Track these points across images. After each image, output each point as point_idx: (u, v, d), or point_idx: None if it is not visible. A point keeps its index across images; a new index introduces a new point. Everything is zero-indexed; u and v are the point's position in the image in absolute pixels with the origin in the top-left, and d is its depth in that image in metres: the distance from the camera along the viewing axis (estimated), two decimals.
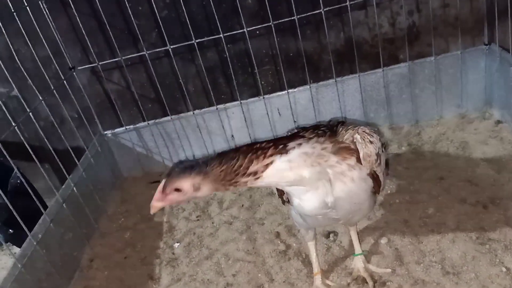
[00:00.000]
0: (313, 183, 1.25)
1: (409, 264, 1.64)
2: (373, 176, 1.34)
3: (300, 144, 1.24)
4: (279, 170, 1.22)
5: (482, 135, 2.24)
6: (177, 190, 1.23)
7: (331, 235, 1.87)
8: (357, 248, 1.69)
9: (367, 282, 1.61)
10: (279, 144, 1.23)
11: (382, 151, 1.36)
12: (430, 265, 1.61)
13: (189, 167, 1.23)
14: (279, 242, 1.92)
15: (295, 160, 1.23)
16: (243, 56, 2.42)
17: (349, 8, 2.19)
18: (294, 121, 2.47)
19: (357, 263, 1.67)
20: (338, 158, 1.26)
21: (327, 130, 1.35)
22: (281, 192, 1.46)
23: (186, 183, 1.22)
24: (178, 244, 2.09)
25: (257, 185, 1.26)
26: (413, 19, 2.32)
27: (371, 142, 1.30)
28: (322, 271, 1.68)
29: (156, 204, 1.27)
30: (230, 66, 2.37)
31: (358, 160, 1.29)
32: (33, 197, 1.78)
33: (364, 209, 1.43)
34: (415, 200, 1.91)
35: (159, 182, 2.50)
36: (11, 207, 1.64)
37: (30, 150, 1.87)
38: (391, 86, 2.41)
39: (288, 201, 1.45)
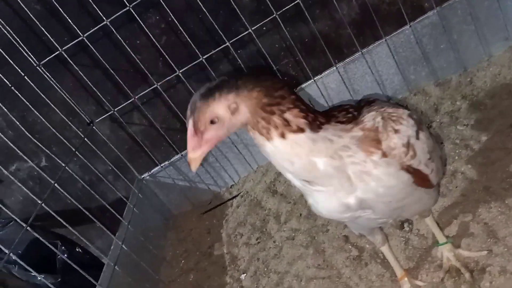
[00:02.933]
0: (324, 180, 1.04)
1: (506, 238, 1.39)
2: (409, 170, 1.10)
3: (328, 125, 1.04)
4: (299, 145, 1.01)
5: None
6: (213, 121, 1.01)
7: (406, 224, 1.65)
8: (440, 237, 1.46)
9: (462, 273, 1.39)
10: (317, 117, 1.03)
11: (418, 138, 1.11)
12: None
13: (213, 87, 1.01)
14: (350, 247, 1.73)
15: (319, 143, 1.02)
16: (257, 58, 2.24)
17: None
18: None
19: (445, 253, 1.45)
20: (364, 153, 1.05)
21: (356, 112, 1.14)
22: None
23: (220, 107, 1.00)
24: (245, 275, 1.94)
25: (270, 150, 1.03)
26: None
27: (396, 130, 1.07)
28: (407, 272, 1.46)
29: (194, 154, 1.02)
30: (244, 67, 2.19)
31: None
32: (80, 270, 1.67)
33: (412, 205, 1.19)
34: (490, 160, 1.65)
35: (211, 210, 2.42)
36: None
37: (61, 220, 1.77)
38: (424, 40, 2.15)
39: None
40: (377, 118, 1.08)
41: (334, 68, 2.20)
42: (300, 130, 1.01)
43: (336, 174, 1.04)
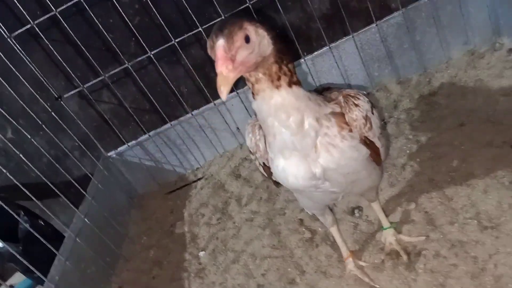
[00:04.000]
0: (297, 145, 1.13)
1: (443, 227, 1.51)
2: (366, 142, 1.21)
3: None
4: (300, 98, 1.09)
5: (496, 68, 2.06)
6: (247, 40, 0.99)
7: (356, 211, 1.76)
8: (384, 222, 1.57)
9: (401, 255, 1.50)
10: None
11: (373, 113, 1.23)
12: (465, 223, 1.48)
13: (235, 18, 1.01)
14: (303, 229, 1.82)
15: (312, 102, 1.12)
16: None
17: None
18: None
19: (388, 237, 1.56)
20: (337, 128, 1.15)
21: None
22: (268, 172, 1.32)
23: (251, 29, 0.99)
24: (204, 252, 2.02)
25: (275, 100, 1.08)
26: None
27: (356, 104, 1.18)
28: (352, 253, 1.57)
29: (229, 73, 0.97)
30: None
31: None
32: (42, 239, 1.72)
33: (364, 179, 1.30)
34: (437, 154, 1.77)
35: (175, 191, 2.47)
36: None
37: (27, 192, 1.80)
38: (389, 39, 2.25)
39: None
40: (339, 97, 1.20)
41: (303, 60, 2.28)
42: (300, 83, 1.10)
43: (312, 139, 1.12)
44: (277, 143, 1.15)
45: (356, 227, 1.70)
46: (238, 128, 2.47)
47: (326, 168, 1.16)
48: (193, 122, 2.45)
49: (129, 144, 2.49)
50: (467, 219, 1.49)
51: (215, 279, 1.85)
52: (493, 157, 1.63)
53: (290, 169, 1.17)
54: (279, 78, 1.07)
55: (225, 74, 0.96)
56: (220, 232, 2.07)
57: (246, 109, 2.37)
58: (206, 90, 2.32)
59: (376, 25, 2.20)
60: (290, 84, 1.08)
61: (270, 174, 1.31)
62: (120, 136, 2.47)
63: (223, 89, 0.97)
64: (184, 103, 2.41)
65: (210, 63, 2.34)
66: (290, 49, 1.13)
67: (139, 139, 2.49)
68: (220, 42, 0.96)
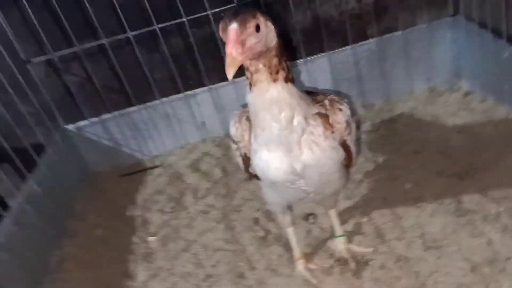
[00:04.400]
0: (283, 139, 1.18)
1: (391, 241, 1.62)
2: (343, 146, 1.30)
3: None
4: (292, 94, 1.15)
5: (452, 107, 2.24)
6: (257, 29, 1.05)
7: (310, 217, 1.84)
8: (338, 230, 1.66)
9: (349, 263, 1.59)
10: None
11: (352, 120, 1.33)
12: (411, 241, 1.60)
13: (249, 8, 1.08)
14: (258, 228, 1.88)
15: (302, 100, 1.18)
16: (209, 40, 2.33)
17: None
18: None
19: (339, 245, 1.65)
20: (322, 128, 1.22)
21: None
22: (247, 163, 1.37)
23: (262, 20, 1.06)
24: (153, 238, 2.02)
25: (270, 93, 1.13)
26: None
27: (340, 109, 1.27)
28: (304, 256, 1.64)
29: (238, 56, 1.03)
30: (196, 51, 2.27)
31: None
32: None
33: (334, 182, 1.37)
34: (392, 176, 1.89)
35: (130, 175, 2.45)
36: None
37: None
38: (361, 62, 2.38)
39: (255, 176, 1.37)
40: (325, 100, 1.27)
41: (231, 82, 2.34)
42: (294, 81, 1.16)
43: (298, 136, 1.18)
44: (265, 136, 1.20)
45: (309, 233, 1.78)
46: (204, 122, 2.50)
47: (306, 165, 1.22)
48: (160, 109, 2.45)
49: (90, 120, 2.45)
50: (413, 237, 1.60)
51: (163, 264, 1.86)
52: (442, 186, 1.77)
53: (273, 162, 1.22)
54: (277, 72, 1.13)
55: (234, 56, 1.03)
56: (173, 220, 2.07)
57: (215, 105, 2.41)
58: (179, 80, 2.33)
59: (351, 48, 2.32)
60: (286, 80, 1.15)
61: (248, 166, 1.36)
62: (82, 111, 2.42)
63: (231, 70, 1.04)
64: (154, 89, 2.40)
65: (187, 55, 2.37)
66: (288, 49, 1.18)
67: (101, 117, 2.45)
68: (234, 26, 1.03)
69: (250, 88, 1.17)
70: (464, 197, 1.69)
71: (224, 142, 2.48)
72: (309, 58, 2.34)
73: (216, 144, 2.47)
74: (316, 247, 1.71)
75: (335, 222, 1.66)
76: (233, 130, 1.34)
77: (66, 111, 2.44)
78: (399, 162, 1.96)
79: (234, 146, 1.38)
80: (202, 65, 2.31)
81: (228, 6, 2.13)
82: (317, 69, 2.38)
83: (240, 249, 1.81)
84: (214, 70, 2.40)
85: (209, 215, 2.03)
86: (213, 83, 2.40)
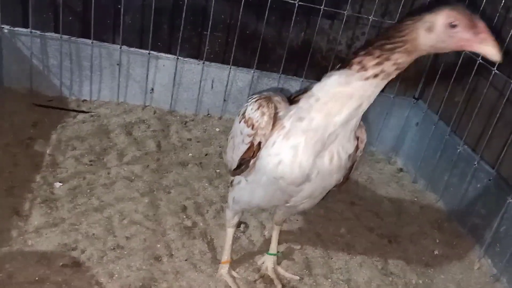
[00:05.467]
0: (332, 130, 1.10)
1: (318, 276, 1.59)
2: (352, 159, 1.24)
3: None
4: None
5: (386, 176, 2.37)
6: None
7: (242, 225, 1.75)
8: (273, 247, 1.59)
9: (274, 284, 1.52)
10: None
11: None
12: (337, 282, 1.59)
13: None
14: (184, 217, 1.73)
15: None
16: (200, 13, 2.19)
17: (321, 12, 2.15)
18: (224, 100, 2.31)
19: (268, 262, 1.57)
20: (354, 142, 1.18)
21: None
22: (251, 153, 1.21)
23: None
24: (61, 184, 1.75)
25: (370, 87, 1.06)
26: None
27: (365, 128, 1.25)
28: (231, 261, 1.54)
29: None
30: (183, 16, 2.12)
31: None
32: None
33: (318, 197, 1.32)
34: (329, 217, 1.90)
35: (46, 107, 2.15)
36: None
37: None
38: None
39: (242, 170, 1.26)
40: None
41: (252, 71, 2.29)
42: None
43: (333, 139, 1.12)
44: (313, 127, 1.10)
45: (237, 240, 1.68)
46: (152, 89, 2.30)
47: (319, 171, 1.16)
48: (115, 56, 2.21)
49: (33, 31, 2.11)
50: (339, 280, 1.60)
51: (66, 216, 1.60)
52: (373, 242, 1.82)
53: (299, 158, 1.13)
54: (396, 74, 1.06)
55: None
56: (90, 174, 1.83)
57: (174, 78, 2.25)
58: (150, 35, 2.14)
59: None
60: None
61: (252, 156, 1.21)
62: (29, 18, 2.08)
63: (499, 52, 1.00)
64: (119, 33, 2.17)
65: (170, 15, 2.19)
66: None
67: (46, 34, 2.13)
68: (464, 19, 1.00)
69: (365, 75, 1.05)
70: (390, 259, 1.75)
71: (165, 117, 2.30)
72: (283, 75, 2.32)
73: (157, 116, 2.29)
74: (242, 257, 1.61)
75: (275, 239, 1.59)
76: (256, 114, 1.18)
77: (10, 11, 2.08)
78: (337, 206, 1.98)
79: (246, 130, 1.21)
80: (181, 32, 2.15)
81: None
82: (287, 88, 2.36)
83: (161, 231, 1.64)
84: (189, 43, 2.25)
85: (133, 184, 1.83)
86: (183, 56, 2.24)
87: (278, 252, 1.61)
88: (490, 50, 0.99)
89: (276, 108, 1.18)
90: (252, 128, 1.19)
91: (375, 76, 1.04)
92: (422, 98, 2.45)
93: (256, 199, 1.32)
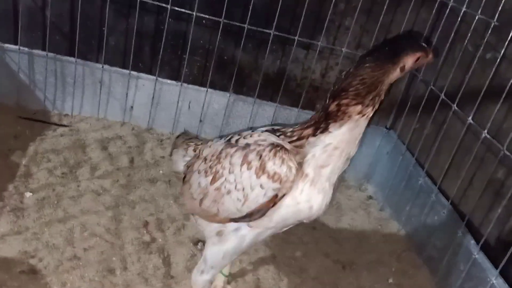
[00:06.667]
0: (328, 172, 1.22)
1: None
2: None
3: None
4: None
5: (354, 203, 2.42)
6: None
7: (200, 244, 1.82)
8: (226, 268, 1.65)
9: None
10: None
11: None
12: None
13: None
14: (145, 232, 1.81)
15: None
16: (180, 37, 2.30)
17: (295, 42, 2.25)
18: (200, 120, 2.40)
19: (218, 282, 1.64)
20: None
21: None
22: (270, 205, 1.22)
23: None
24: (31, 194, 1.84)
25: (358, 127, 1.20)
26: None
27: None
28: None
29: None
30: (163, 40, 2.23)
31: None
32: None
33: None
34: (288, 240, 1.96)
35: (31, 120, 2.25)
36: None
37: None
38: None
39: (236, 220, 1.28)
40: None
41: (228, 94, 2.38)
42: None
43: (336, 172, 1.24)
44: (328, 172, 1.21)
45: (192, 257, 1.75)
46: (132, 107, 2.41)
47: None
48: (97, 74, 2.32)
49: (21, 47, 2.23)
50: None
51: (31, 225, 1.69)
52: (327, 267, 1.88)
53: (326, 199, 1.24)
54: (372, 109, 1.19)
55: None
56: (60, 186, 1.92)
57: (153, 98, 2.35)
58: (131, 56, 2.25)
59: (298, 111, 2.44)
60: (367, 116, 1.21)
61: (268, 207, 1.22)
62: (18, 35, 2.21)
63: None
64: (102, 52, 2.28)
65: (152, 38, 2.30)
66: None
67: (33, 51, 2.25)
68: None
69: (330, 126, 1.18)
70: (341, 285, 1.81)
71: (142, 134, 2.40)
72: (258, 100, 2.40)
73: (134, 133, 2.38)
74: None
75: None
76: (284, 169, 1.18)
77: (1, 28, 2.21)
78: (297, 230, 2.04)
79: (271, 185, 1.19)
80: (160, 55, 2.26)
81: (214, 18, 2.15)
82: (261, 113, 2.45)
83: (119, 244, 1.71)
84: (168, 66, 2.36)
85: (100, 197, 1.92)
86: (162, 77, 2.34)
87: (229, 274, 1.67)
88: (431, 59, 1.26)
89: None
90: (280, 182, 1.19)
91: (363, 115, 1.20)
92: (393, 128, 2.52)
93: (249, 247, 1.37)
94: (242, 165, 1.23)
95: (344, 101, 1.18)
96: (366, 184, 2.59)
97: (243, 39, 2.21)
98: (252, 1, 2.11)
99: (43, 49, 2.24)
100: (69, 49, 2.27)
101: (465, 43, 1.99)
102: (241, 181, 1.23)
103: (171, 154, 1.66)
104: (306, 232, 2.05)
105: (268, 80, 2.40)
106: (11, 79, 2.27)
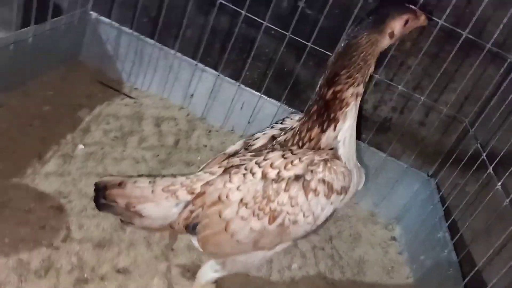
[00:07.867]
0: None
1: None
2: None
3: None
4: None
5: (375, 239, 2.41)
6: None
7: None
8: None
9: None
10: None
11: None
12: None
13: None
14: None
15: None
16: (248, 41, 2.47)
17: None
18: (249, 122, 2.55)
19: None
20: None
21: None
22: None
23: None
24: (83, 147, 2.11)
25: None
26: (393, 115, 2.47)
27: None
28: None
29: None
30: (232, 41, 2.41)
31: None
32: None
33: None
34: (288, 250, 2.05)
35: (106, 86, 2.54)
36: None
37: None
38: None
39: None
40: None
41: (279, 104, 2.51)
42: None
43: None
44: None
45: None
46: (192, 95, 2.62)
47: None
48: (169, 58, 2.57)
49: (112, 21, 2.55)
50: None
51: (73, 172, 1.95)
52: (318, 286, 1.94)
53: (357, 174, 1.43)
54: (363, 85, 1.33)
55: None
56: (108, 147, 2.17)
57: (211, 91, 2.54)
58: (203, 49, 2.47)
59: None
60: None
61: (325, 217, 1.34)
62: (112, 11, 2.52)
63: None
64: (178, 41, 2.52)
65: (222, 37, 2.49)
66: None
67: (122, 27, 2.55)
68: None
69: (337, 125, 1.33)
70: None
71: (195, 122, 2.60)
72: (265, 96, 2.49)
73: (188, 119, 2.59)
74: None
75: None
76: (347, 180, 1.31)
77: (101, 1, 2.54)
78: (302, 245, 2.12)
79: (341, 197, 1.32)
80: (227, 54, 2.44)
81: (282, 30, 2.29)
82: (263, 109, 2.53)
83: None
84: (233, 64, 2.54)
85: (138, 165, 2.15)
86: (224, 75, 2.53)
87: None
88: (423, 21, 1.26)
89: None
90: (346, 193, 1.34)
91: (357, 96, 1.34)
92: (434, 176, 2.49)
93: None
94: (306, 195, 1.26)
95: (338, 87, 1.26)
96: (394, 224, 2.57)
97: (304, 55, 2.33)
98: (320, 22, 2.22)
99: (130, 28, 2.54)
100: (151, 32, 2.54)
101: None
102: (309, 208, 1.27)
103: None
104: (310, 249, 2.11)
105: (277, 76, 2.46)
106: (99, 47, 2.60)
